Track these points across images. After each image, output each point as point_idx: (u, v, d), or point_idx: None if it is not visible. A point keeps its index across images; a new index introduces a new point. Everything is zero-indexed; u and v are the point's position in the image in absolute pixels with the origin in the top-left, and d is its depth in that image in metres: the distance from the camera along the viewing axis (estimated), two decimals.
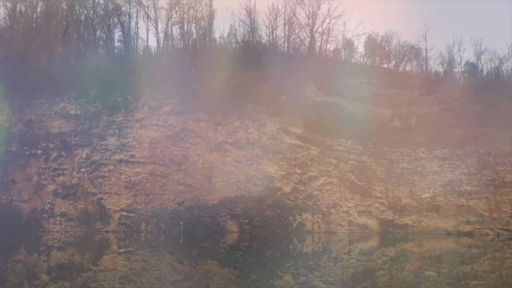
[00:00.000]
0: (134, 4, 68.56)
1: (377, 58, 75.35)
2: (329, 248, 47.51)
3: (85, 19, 67.86)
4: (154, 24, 68.47)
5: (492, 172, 59.85)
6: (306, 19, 70.52)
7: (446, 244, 51.71)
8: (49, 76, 57.79)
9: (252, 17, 70.33)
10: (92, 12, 67.45)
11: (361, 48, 75.74)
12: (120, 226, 54.46)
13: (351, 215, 59.06)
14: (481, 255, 43.12)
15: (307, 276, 30.08)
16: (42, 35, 63.81)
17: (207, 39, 71.00)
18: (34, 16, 67.17)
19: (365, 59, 74.38)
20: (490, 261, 39.66)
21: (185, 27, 68.80)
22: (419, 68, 76.58)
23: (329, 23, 70.54)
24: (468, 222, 58.90)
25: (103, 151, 55.93)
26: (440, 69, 76.51)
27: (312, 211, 58.25)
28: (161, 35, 68.78)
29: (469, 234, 58.07)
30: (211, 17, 70.43)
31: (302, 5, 70.51)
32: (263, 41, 71.39)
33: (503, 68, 74.31)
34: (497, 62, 74.19)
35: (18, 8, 66.54)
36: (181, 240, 50.91)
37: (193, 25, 69.60)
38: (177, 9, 68.41)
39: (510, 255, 44.71)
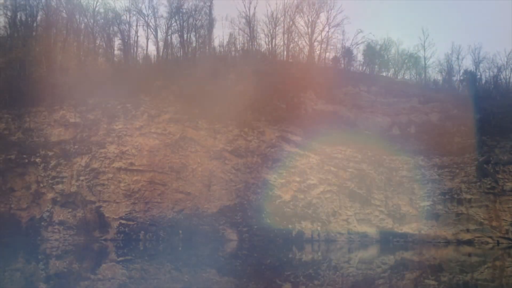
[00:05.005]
0: (134, 13, 68.93)
1: (376, 66, 75.54)
2: (328, 256, 47.38)
3: (85, 27, 68.07)
4: (153, 33, 68.79)
5: (491, 180, 59.83)
6: (305, 28, 70.92)
7: (446, 252, 51.58)
8: (48, 84, 57.83)
9: (252, 25, 70.73)
10: (92, 20, 67.72)
11: (360, 57, 75.86)
12: (118, 235, 54.28)
13: (350, 223, 58.95)
14: (481, 263, 43.00)
15: (307, 284, 29.98)
16: (42, 44, 63.87)
17: (207, 48, 71.21)
18: (34, 24, 67.41)
19: (364, 68, 74.58)
20: (490, 270, 39.57)
21: (185, 35, 69.14)
22: (418, 76, 76.82)
23: (328, 31, 70.95)
24: (467, 231, 58.77)
25: (102, 159, 55.90)
26: (439, 77, 76.96)
27: (311, 219, 58.16)
28: (161, 44, 69.04)
29: (468, 242, 57.93)
30: (210, 26, 70.79)
31: (301, 14, 70.91)
32: (262, 50, 71.72)
33: (502, 76, 74.66)
34: (495, 70, 74.58)
35: (18, 17, 66.75)
36: (180, 249, 50.73)
37: (193, 33, 69.97)
38: (176, 17, 68.76)
39: (510, 264, 44.57)
